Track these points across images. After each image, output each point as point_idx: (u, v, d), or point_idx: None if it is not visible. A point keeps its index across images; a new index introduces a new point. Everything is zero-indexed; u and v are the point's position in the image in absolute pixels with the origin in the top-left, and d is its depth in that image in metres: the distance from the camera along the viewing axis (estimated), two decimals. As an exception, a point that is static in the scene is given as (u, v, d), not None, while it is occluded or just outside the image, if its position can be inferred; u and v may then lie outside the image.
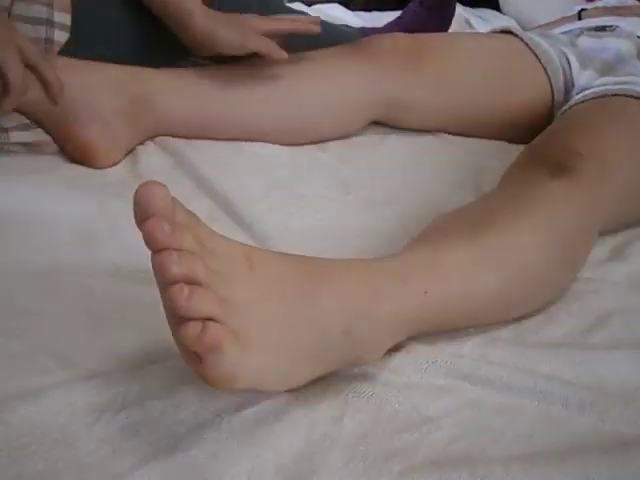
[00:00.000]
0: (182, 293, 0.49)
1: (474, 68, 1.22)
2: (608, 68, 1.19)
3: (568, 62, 1.24)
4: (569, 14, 1.56)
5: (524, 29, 1.47)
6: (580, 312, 0.78)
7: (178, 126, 1.06)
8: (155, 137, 1.07)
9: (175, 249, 0.50)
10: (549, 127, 1.01)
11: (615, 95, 1.04)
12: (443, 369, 0.66)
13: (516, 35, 1.28)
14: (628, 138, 0.94)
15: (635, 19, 1.36)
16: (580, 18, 1.48)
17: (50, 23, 1.00)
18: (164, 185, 0.51)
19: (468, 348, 0.69)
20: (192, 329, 0.49)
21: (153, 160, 1.02)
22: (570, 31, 1.37)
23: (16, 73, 0.82)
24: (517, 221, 0.74)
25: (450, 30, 1.67)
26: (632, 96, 1.02)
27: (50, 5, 1.00)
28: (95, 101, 0.98)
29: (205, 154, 1.04)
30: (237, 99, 1.08)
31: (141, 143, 1.05)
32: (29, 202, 0.86)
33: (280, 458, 0.55)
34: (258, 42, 1.08)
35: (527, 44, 1.25)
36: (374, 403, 0.61)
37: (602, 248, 0.91)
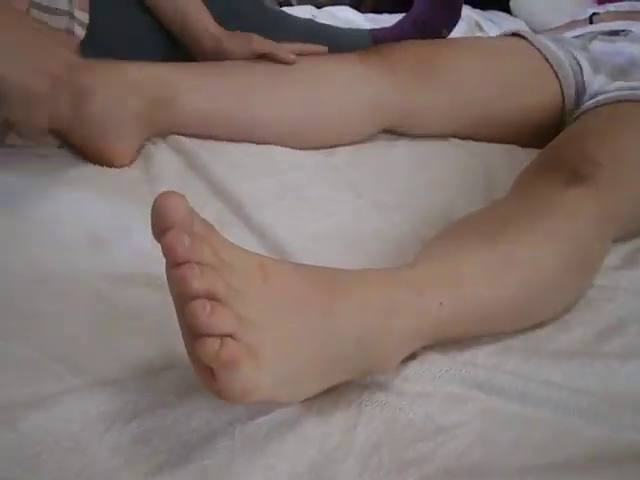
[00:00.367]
0: (204, 310, 0.48)
1: (487, 75, 1.21)
2: (621, 72, 1.19)
3: (580, 67, 1.23)
4: (580, 18, 1.55)
5: (535, 32, 1.47)
6: (593, 320, 0.77)
7: (193, 126, 1.06)
8: (167, 135, 1.06)
9: (196, 262, 0.49)
10: (563, 133, 1.00)
11: (628, 101, 1.03)
12: (457, 378, 0.65)
13: (527, 39, 1.27)
14: None
15: (648, 23, 1.35)
16: (592, 22, 1.48)
17: (71, 16, 1.00)
18: (183, 195, 0.50)
19: (482, 357, 0.69)
20: (210, 346, 0.48)
21: (165, 162, 1.01)
22: (582, 35, 1.36)
23: None
24: (533, 230, 0.73)
25: (461, 33, 1.66)
26: (646, 102, 1.02)
27: (70, 1, 1.00)
28: (113, 105, 0.97)
29: (217, 155, 1.03)
30: (256, 102, 1.08)
31: (153, 143, 1.05)
32: (40, 203, 0.85)
33: (294, 468, 0.54)
34: (264, 44, 1.11)
35: (538, 49, 1.24)
36: (388, 412, 0.61)
37: (614, 255, 0.90)
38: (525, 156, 1.12)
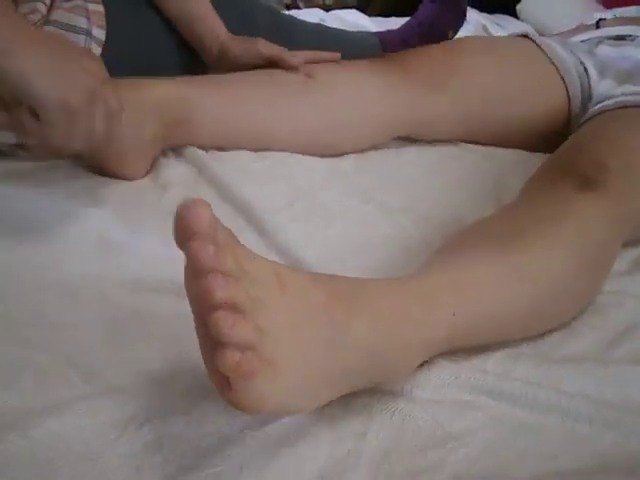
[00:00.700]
0: (227, 320, 0.48)
1: (501, 82, 1.21)
2: (627, 77, 1.18)
3: (586, 71, 1.23)
4: (586, 22, 1.55)
5: (541, 36, 1.47)
6: (603, 326, 0.77)
7: (209, 142, 1.06)
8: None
9: (220, 272, 0.49)
10: (572, 138, 1.00)
11: (635, 106, 1.03)
12: (467, 385, 0.65)
13: (534, 41, 1.28)
14: None
15: (654, 29, 1.35)
16: (598, 27, 1.47)
17: (89, 34, 1.00)
18: (208, 203, 0.50)
19: (491, 363, 0.69)
20: (231, 357, 0.48)
21: (175, 167, 1.01)
22: (589, 39, 1.36)
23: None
24: (545, 238, 0.73)
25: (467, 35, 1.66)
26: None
27: (88, 19, 1.00)
28: (133, 126, 0.95)
29: (226, 161, 1.04)
30: (273, 117, 1.08)
31: (163, 150, 1.05)
32: (49, 211, 0.86)
33: (305, 474, 0.55)
34: (271, 48, 1.11)
35: (545, 52, 1.24)
36: (398, 419, 0.61)
37: (622, 260, 0.90)
38: (534, 160, 1.13)
